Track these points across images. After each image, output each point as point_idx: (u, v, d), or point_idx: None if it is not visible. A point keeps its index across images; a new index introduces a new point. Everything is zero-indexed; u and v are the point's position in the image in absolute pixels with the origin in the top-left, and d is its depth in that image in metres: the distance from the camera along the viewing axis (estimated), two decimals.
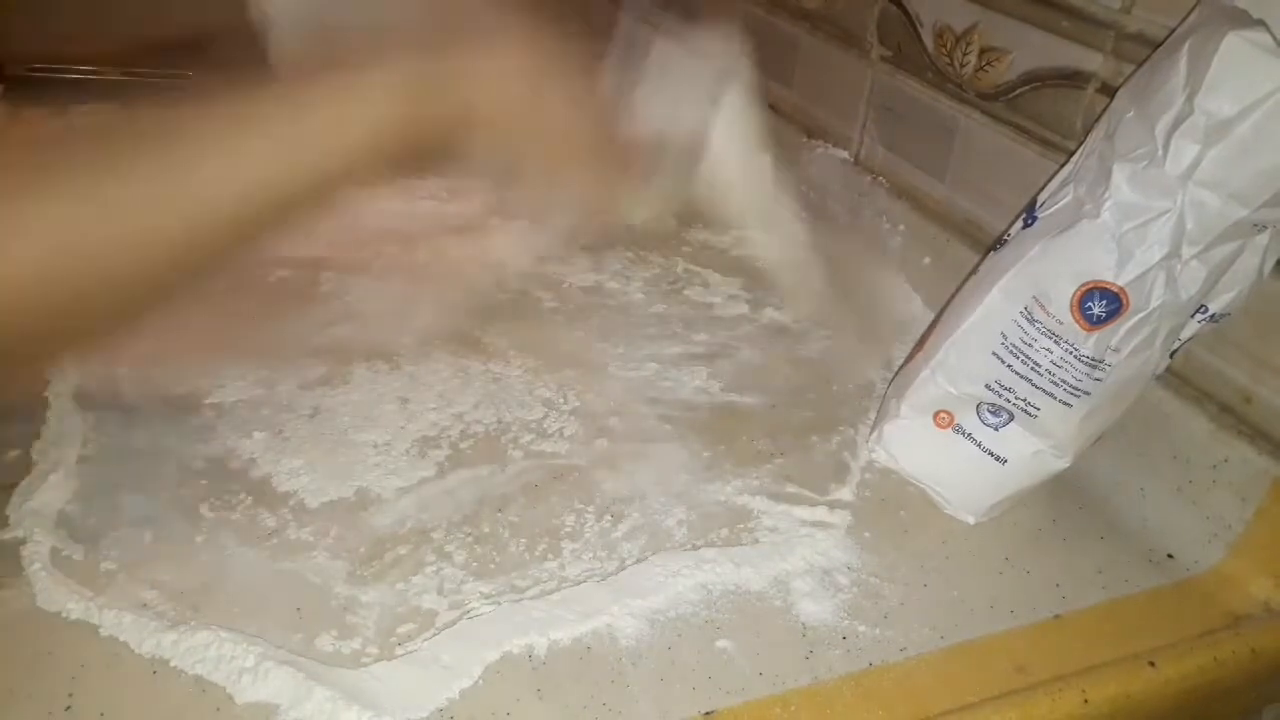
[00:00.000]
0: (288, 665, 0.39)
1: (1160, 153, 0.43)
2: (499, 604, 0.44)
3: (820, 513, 0.50)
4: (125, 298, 0.34)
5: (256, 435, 0.52)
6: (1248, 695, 0.48)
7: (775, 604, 0.45)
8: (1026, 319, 0.47)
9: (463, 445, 0.53)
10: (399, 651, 0.41)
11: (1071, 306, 0.45)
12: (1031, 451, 0.49)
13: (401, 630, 0.42)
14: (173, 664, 0.40)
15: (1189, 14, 0.44)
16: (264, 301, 0.52)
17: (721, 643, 0.43)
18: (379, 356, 0.58)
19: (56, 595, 0.42)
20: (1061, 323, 0.46)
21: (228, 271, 0.36)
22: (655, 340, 0.63)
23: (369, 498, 0.49)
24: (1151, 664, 0.43)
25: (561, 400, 0.57)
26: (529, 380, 0.58)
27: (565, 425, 0.55)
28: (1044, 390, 0.48)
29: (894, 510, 0.52)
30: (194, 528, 0.47)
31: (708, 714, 0.40)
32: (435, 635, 0.42)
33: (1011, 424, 0.49)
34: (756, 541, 0.48)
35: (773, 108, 0.87)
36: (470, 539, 0.47)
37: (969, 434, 0.51)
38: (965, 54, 0.64)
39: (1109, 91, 0.54)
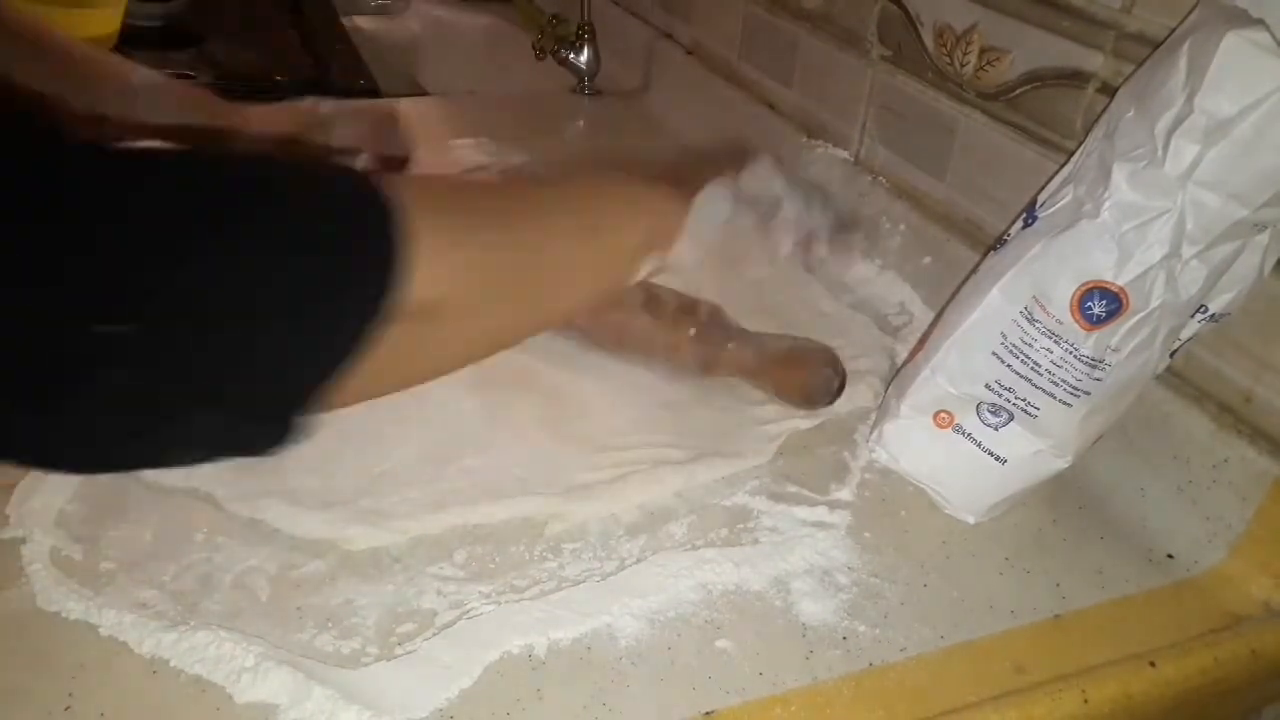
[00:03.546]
0: (287, 665, 0.39)
1: (1160, 153, 0.43)
2: (498, 604, 0.44)
3: (820, 513, 0.50)
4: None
5: None
6: (1248, 695, 0.48)
7: (775, 604, 0.45)
8: (1026, 319, 0.47)
9: None
10: (399, 651, 0.41)
11: (1071, 306, 0.45)
12: (1031, 451, 0.49)
13: (401, 630, 0.42)
14: (172, 664, 0.40)
15: (1189, 14, 0.44)
16: None
17: (721, 643, 0.43)
18: None
19: (56, 595, 0.42)
20: (1061, 322, 0.46)
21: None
22: None
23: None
24: (1152, 664, 0.43)
25: None
26: None
27: None
28: (1044, 390, 0.47)
29: (894, 510, 0.52)
30: (194, 527, 0.47)
31: (708, 714, 0.39)
32: (435, 635, 0.42)
33: (1011, 424, 0.49)
34: (756, 541, 0.48)
35: (772, 108, 0.87)
36: (470, 537, 0.47)
37: (969, 434, 0.51)
38: (965, 54, 0.64)
39: (1109, 91, 0.54)
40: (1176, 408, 0.51)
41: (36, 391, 0.30)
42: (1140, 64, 0.47)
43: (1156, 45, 0.46)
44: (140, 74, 0.67)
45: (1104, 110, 0.47)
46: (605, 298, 0.48)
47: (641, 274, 0.46)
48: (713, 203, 0.48)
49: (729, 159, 0.51)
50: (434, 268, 0.36)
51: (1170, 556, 0.50)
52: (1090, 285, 0.45)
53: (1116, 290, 0.44)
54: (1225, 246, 0.44)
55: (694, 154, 0.53)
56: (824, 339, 0.65)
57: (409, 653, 0.41)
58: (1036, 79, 0.59)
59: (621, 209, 0.46)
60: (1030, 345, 0.47)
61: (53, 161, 0.30)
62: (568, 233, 0.44)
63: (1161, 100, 0.43)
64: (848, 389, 0.59)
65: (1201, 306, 0.46)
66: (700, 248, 0.47)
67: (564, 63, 1.06)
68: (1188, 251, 0.43)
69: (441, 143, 0.89)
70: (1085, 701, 0.42)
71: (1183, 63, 0.42)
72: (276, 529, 0.47)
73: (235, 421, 0.33)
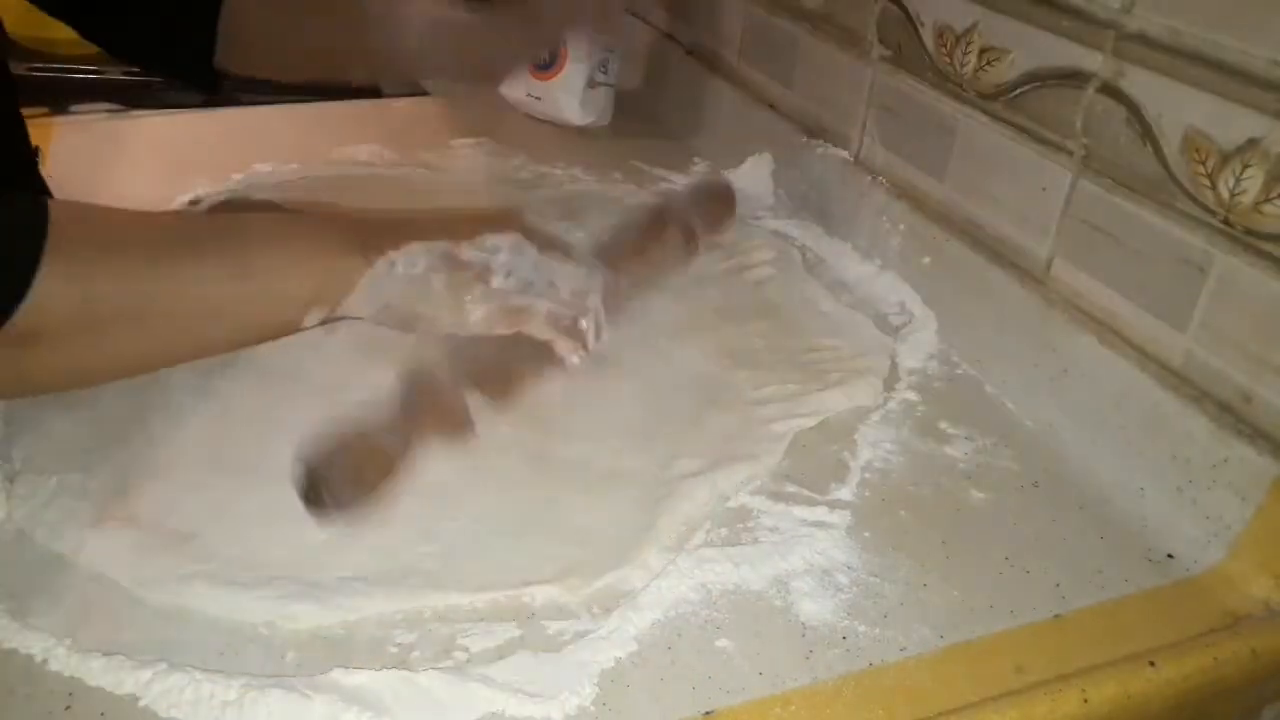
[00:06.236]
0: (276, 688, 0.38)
1: None
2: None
3: (820, 512, 0.50)
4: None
5: None
6: (1248, 695, 0.48)
7: (775, 604, 0.45)
8: None
9: None
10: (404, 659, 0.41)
11: None
12: None
13: (404, 640, 0.42)
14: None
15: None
16: None
17: (721, 642, 0.43)
18: None
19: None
20: None
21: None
22: None
23: None
24: (1151, 664, 0.43)
25: None
26: None
27: None
28: None
29: (894, 510, 0.52)
30: None
31: (708, 714, 0.39)
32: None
33: None
34: (756, 541, 0.48)
35: (773, 108, 0.87)
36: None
37: None
38: (965, 54, 0.64)
39: (1109, 91, 0.54)
40: (1176, 408, 0.51)
41: None
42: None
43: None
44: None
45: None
46: (264, 337, 0.48)
47: (308, 322, 0.47)
48: (402, 264, 0.48)
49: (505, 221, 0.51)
50: (52, 299, 0.38)
51: (1170, 556, 0.50)
52: None
53: None
54: None
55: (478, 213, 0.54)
56: (824, 339, 0.65)
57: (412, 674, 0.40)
58: (1036, 79, 0.59)
59: (285, 258, 0.47)
60: None
61: None
62: (215, 275, 0.44)
63: None
64: (848, 387, 0.59)
65: None
66: (375, 305, 0.48)
67: None
68: None
69: (442, 143, 0.89)
70: (1085, 701, 0.42)
71: None
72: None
73: None
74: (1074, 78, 0.56)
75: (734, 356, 0.62)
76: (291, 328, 0.47)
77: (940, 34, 0.66)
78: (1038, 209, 0.60)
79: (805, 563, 0.47)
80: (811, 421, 0.57)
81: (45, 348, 0.40)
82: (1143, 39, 0.52)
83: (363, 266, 0.47)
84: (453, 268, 0.49)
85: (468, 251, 0.49)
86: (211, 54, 0.65)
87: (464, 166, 0.86)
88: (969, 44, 0.63)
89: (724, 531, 0.49)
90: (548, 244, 0.52)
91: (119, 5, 0.63)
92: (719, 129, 0.93)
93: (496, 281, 0.49)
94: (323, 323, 0.47)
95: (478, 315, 0.49)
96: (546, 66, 0.95)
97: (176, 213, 0.49)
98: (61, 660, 0.39)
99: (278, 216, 0.50)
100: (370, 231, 0.49)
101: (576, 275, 0.52)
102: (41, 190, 0.67)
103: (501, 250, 0.50)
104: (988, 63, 0.62)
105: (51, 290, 0.38)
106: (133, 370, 0.47)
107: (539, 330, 0.50)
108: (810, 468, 0.54)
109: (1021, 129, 0.61)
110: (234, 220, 0.49)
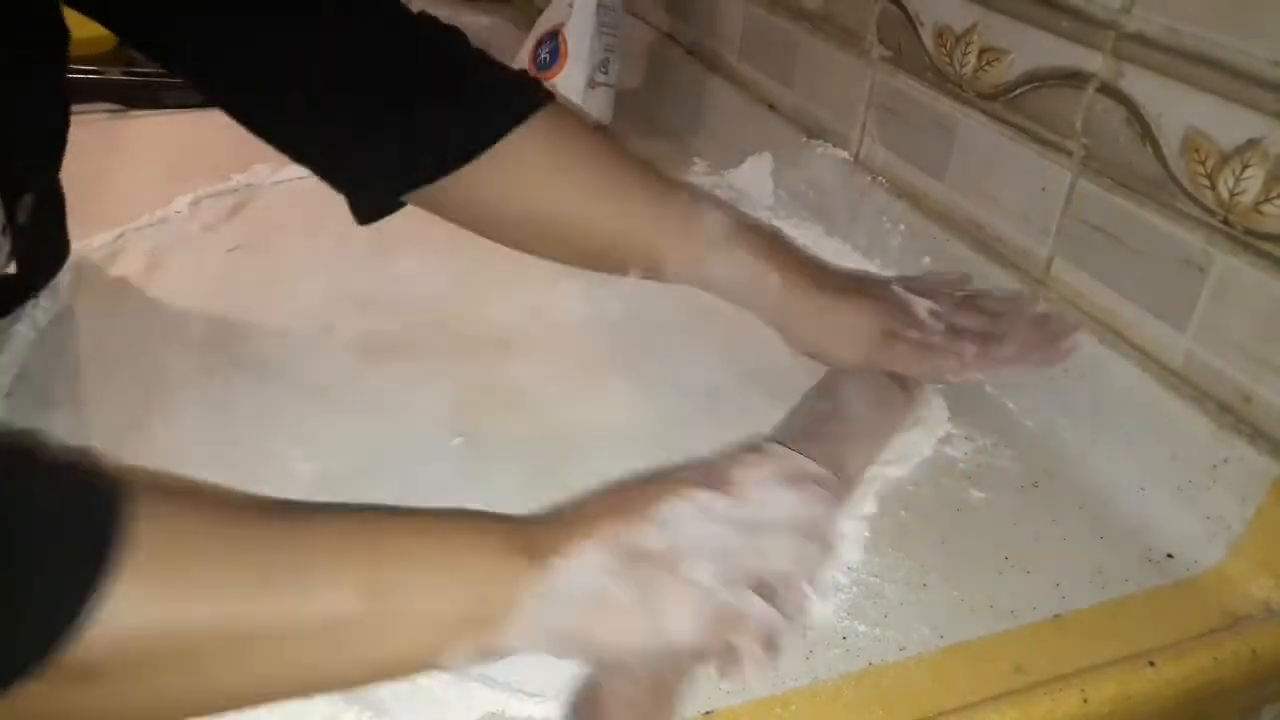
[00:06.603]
0: None
1: None
2: None
3: None
4: None
5: None
6: (1247, 695, 0.48)
7: None
8: None
9: None
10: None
11: None
12: None
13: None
14: None
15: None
16: None
17: None
18: None
19: None
20: None
21: None
22: None
23: None
24: (1151, 664, 0.43)
25: None
26: None
27: None
28: None
29: (894, 510, 0.52)
30: None
31: (707, 714, 0.39)
32: None
33: None
34: None
35: (772, 108, 0.87)
36: None
37: None
38: (965, 54, 0.64)
39: (1109, 91, 0.54)
40: (1176, 408, 0.51)
41: None
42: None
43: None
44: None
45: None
46: (393, 674, 0.37)
47: (451, 660, 0.35)
48: (572, 572, 0.36)
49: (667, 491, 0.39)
50: (114, 629, 0.29)
51: (1170, 556, 0.50)
52: None
53: None
54: None
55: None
56: None
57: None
58: (1036, 79, 0.59)
59: (426, 565, 0.35)
60: None
61: None
62: (329, 592, 0.34)
63: None
64: (922, 427, 0.57)
65: None
66: (542, 632, 0.36)
67: None
68: None
69: None
70: (1085, 701, 0.42)
71: None
72: None
73: None
74: (1073, 78, 0.56)
75: (754, 378, 0.59)
76: (430, 663, 0.36)
77: (940, 34, 0.66)
78: (1037, 209, 0.60)
79: None
80: (903, 471, 0.54)
81: (103, 686, 0.31)
82: (1142, 39, 0.52)
83: (530, 573, 0.36)
84: (632, 562, 0.36)
85: (649, 534, 0.37)
86: (402, 190, 0.55)
87: None
88: (969, 44, 0.63)
89: None
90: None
91: (315, 110, 0.56)
92: (719, 129, 0.93)
93: (692, 570, 0.36)
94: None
95: (683, 626, 0.36)
96: (547, 66, 0.95)
97: (281, 504, 0.38)
98: None
99: (408, 512, 0.39)
100: (526, 530, 0.38)
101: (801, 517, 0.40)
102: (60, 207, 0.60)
103: (684, 519, 0.37)
104: (987, 63, 0.62)
105: (116, 617, 0.29)
106: (222, 710, 0.35)
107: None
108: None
109: (1021, 129, 0.61)
110: (355, 515, 0.37)
